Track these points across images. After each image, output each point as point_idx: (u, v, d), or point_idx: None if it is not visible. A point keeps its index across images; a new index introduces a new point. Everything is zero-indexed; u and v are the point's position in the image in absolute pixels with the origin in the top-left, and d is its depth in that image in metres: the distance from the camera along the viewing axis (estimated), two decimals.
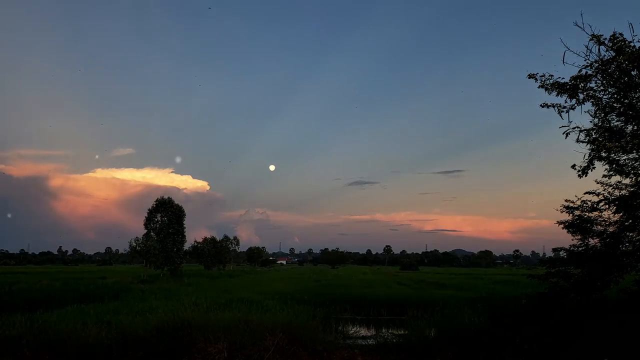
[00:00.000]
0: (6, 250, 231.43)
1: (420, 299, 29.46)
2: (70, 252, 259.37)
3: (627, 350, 11.33)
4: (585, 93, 12.48)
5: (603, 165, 12.91)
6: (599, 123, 12.94)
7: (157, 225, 60.96)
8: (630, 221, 12.60)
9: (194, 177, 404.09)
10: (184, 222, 62.85)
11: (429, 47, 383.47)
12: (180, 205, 62.86)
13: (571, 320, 12.87)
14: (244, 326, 12.89)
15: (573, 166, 13.06)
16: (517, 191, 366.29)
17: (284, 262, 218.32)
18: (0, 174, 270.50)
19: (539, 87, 12.78)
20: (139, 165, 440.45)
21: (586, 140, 12.79)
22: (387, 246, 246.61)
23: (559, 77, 12.56)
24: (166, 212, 61.27)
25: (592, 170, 12.95)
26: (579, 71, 12.15)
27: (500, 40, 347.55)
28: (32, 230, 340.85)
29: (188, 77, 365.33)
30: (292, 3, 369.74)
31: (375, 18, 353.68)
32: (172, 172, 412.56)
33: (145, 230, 61.25)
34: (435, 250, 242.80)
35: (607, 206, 13.27)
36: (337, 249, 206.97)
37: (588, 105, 12.82)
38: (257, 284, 43.20)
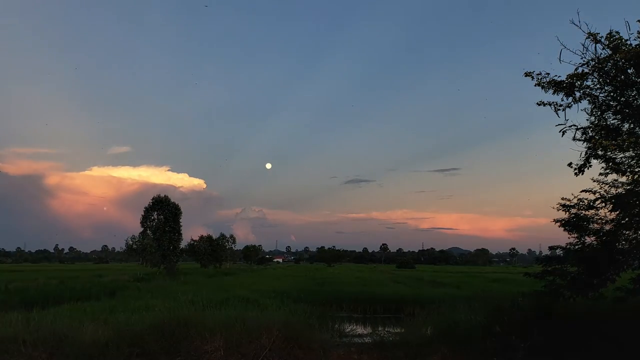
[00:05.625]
0: (2, 249, 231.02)
1: (417, 297, 29.51)
2: (66, 250, 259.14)
3: (620, 350, 11.37)
4: (581, 91, 12.49)
5: (599, 163, 12.93)
6: (595, 121, 12.95)
7: (154, 224, 60.84)
8: (626, 219, 12.61)
9: (190, 176, 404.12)
10: (180, 220, 62.77)
11: (425, 46, 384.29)
12: (176, 203, 62.82)
13: (567, 319, 12.90)
14: (240, 324, 12.87)
15: (569, 164, 13.08)
16: (513, 189, 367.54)
17: (280, 260, 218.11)
18: None
19: (535, 85, 12.78)
20: (135, 163, 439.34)
21: (582, 139, 12.81)
22: (383, 244, 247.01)
23: (556, 75, 12.57)
24: (162, 210, 61.13)
25: (588, 169, 12.97)
26: (576, 69, 12.16)
27: (496, 39, 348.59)
28: (29, 229, 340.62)
29: (184, 76, 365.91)
30: (289, 2, 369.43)
31: (371, 16, 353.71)
32: (168, 170, 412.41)
33: (142, 229, 61.16)
34: (432, 248, 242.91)
35: (603, 204, 13.28)
36: (334, 247, 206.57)
37: (584, 104, 12.83)
38: (254, 282, 43.18)
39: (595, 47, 11.82)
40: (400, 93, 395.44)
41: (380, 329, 19.98)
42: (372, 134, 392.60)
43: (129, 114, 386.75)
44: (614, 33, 11.56)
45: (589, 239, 13.78)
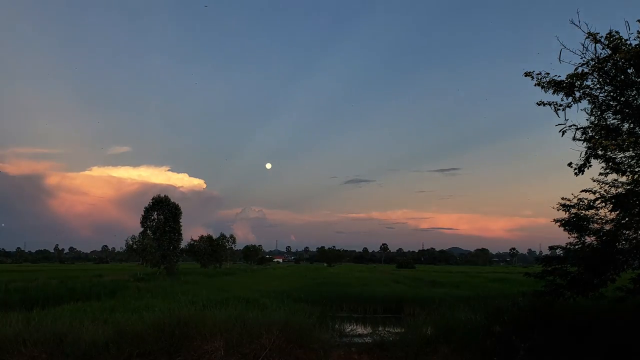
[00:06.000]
0: (2, 249, 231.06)
1: (417, 297, 29.58)
2: (66, 251, 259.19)
3: (620, 350, 11.37)
4: (581, 91, 12.47)
5: (599, 163, 12.92)
6: (595, 121, 12.94)
7: (154, 224, 60.80)
8: (626, 219, 12.61)
9: (190, 176, 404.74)
10: (181, 221, 62.75)
11: (425, 46, 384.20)
12: (176, 203, 62.80)
13: (568, 319, 12.91)
14: (240, 324, 12.87)
15: (569, 164, 13.07)
16: (513, 189, 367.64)
17: (280, 260, 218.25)
18: None
19: (535, 85, 12.77)
20: (135, 163, 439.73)
21: (582, 139, 12.80)
22: (383, 244, 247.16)
23: (555, 75, 12.55)
24: (162, 210, 61.10)
25: (588, 168, 12.95)
26: (575, 69, 12.14)
27: (496, 39, 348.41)
28: (29, 229, 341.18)
29: (184, 75, 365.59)
30: (290, 2, 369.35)
31: (371, 16, 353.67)
32: (168, 170, 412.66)
33: (142, 229, 61.15)
34: (432, 248, 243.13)
35: (603, 204, 13.28)
36: (334, 247, 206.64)
37: (584, 104, 12.82)
38: (254, 282, 43.27)
39: (595, 47, 11.81)
40: (400, 93, 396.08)
41: (380, 328, 19.95)
42: (372, 133, 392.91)
43: (128, 113, 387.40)
44: (614, 33, 11.55)
45: (589, 239, 13.78)
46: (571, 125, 12.80)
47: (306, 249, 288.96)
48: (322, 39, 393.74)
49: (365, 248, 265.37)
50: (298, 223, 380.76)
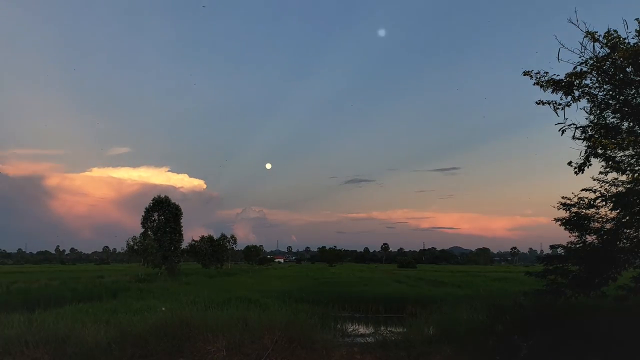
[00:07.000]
0: (4, 250, 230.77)
1: (418, 297, 29.62)
2: (67, 252, 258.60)
3: (622, 349, 11.39)
4: (580, 90, 12.48)
5: (599, 162, 12.94)
6: (594, 120, 12.96)
7: (154, 224, 60.82)
8: (627, 218, 12.64)
9: (190, 176, 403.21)
10: (181, 221, 62.80)
11: (424, 45, 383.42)
12: (177, 204, 62.82)
13: (569, 318, 12.93)
14: (242, 325, 12.91)
15: (569, 163, 13.07)
16: (514, 188, 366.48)
17: (281, 260, 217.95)
18: None
19: (534, 84, 12.78)
20: (135, 164, 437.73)
21: (582, 137, 12.81)
22: (384, 244, 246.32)
23: (554, 74, 12.56)
24: (163, 210, 61.13)
25: (588, 167, 12.96)
26: (574, 68, 12.16)
27: (495, 38, 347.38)
28: (30, 230, 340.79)
29: (184, 76, 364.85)
30: (289, 1, 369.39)
31: (370, 15, 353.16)
32: (168, 170, 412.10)
33: (143, 229, 61.17)
34: (433, 248, 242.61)
35: (604, 203, 13.30)
36: (335, 247, 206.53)
37: (583, 102, 12.82)
38: (255, 283, 43.31)
39: (594, 46, 11.83)
40: (400, 92, 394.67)
41: (382, 328, 19.97)
42: (372, 133, 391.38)
43: (128, 114, 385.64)
44: (612, 32, 11.56)
45: (589, 238, 13.82)
46: (571, 124, 12.82)
47: (307, 249, 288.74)
48: (322, 39, 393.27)
49: (366, 248, 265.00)
50: (299, 223, 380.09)
